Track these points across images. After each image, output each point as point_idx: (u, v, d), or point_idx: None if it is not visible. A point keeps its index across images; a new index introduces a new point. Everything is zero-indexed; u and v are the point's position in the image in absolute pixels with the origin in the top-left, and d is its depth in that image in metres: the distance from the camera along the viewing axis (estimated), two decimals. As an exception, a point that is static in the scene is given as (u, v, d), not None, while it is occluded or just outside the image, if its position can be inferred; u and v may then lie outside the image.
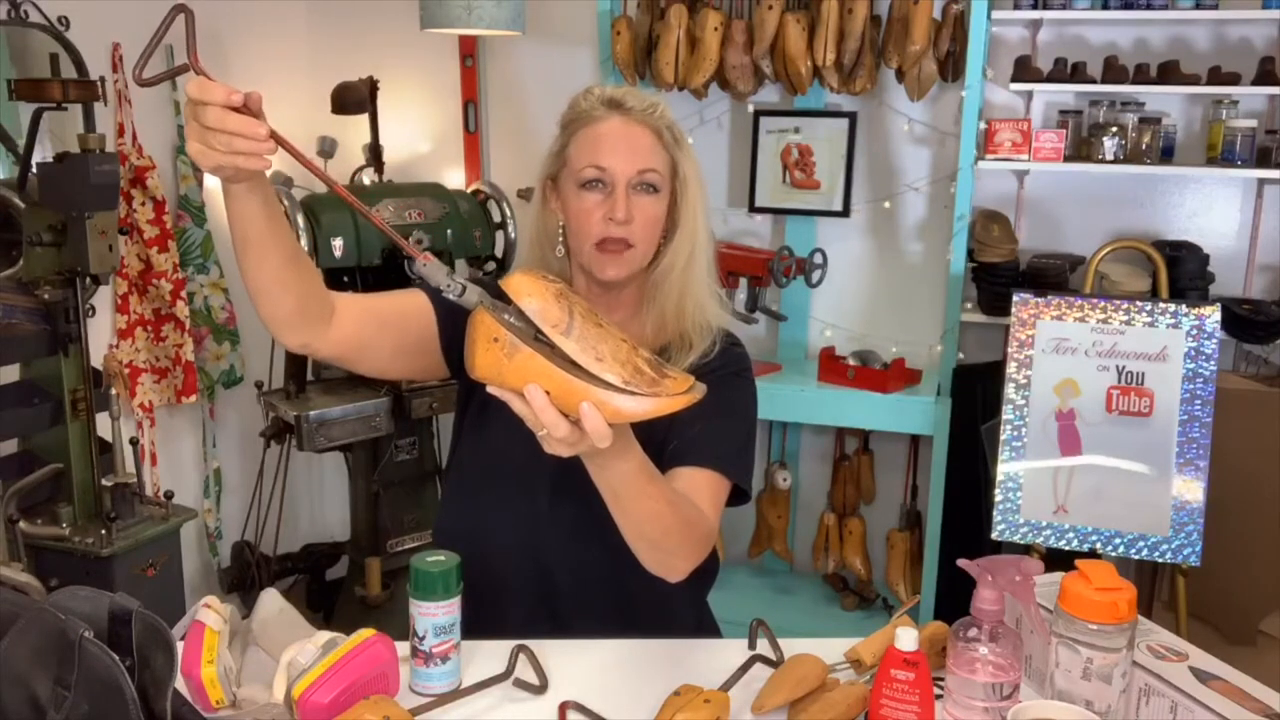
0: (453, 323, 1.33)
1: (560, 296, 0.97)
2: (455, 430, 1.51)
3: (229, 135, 0.98)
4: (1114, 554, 2.25)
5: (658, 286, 1.42)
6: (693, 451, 1.29)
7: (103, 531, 2.31)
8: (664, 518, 1.15)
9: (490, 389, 0.98)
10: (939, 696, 1.12)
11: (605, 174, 1.35)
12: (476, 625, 1.32)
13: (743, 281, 2.86)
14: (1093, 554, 2.24)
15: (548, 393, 0.95)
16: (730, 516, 1.36)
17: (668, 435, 1.31)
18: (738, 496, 1.36)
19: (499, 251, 2.98)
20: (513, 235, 2.96)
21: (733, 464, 1.33)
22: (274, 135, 1.00)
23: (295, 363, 2.82)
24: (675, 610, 1.44)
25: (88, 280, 2.33)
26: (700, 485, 1.28)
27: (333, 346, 1.28)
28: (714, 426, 1.32)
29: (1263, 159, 2.58)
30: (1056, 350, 2.33)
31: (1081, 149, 2.75)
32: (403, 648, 1.21)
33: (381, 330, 1.35)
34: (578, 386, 0.95)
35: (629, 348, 0.98)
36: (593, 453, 1.01)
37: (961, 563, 1.15)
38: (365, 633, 1.15)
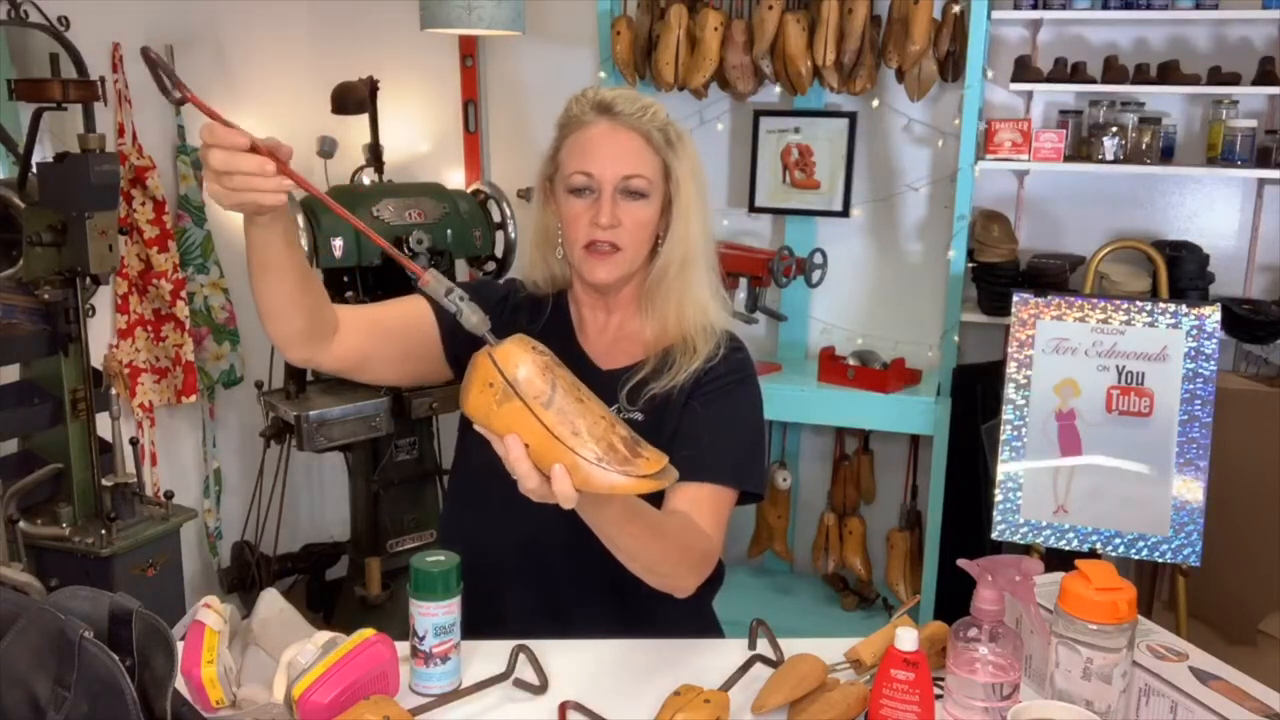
0: (455, 324, 1.33)
1: (546, 370, 1.01)
2: (460, 429, 1.53)
3: (245, 175, 1.03)
4: (1114, 554, 2.24)
5: (654, 290, 1.42)
6: (694, 468, 1.30)
7: (103, 531, 2.31)
8: (654, 548, 1.17)
9: (476, 427, 1.02)
10: (939, 696, 1.13)
11: (592, 180, 1.37)
12: (478, 623, 1.32)
13: (743, 281, 2.86)
14: (1093, 554, 2.24)
15: (527, 445, 0.99)
16: (730, 517, 1.37)
17: (669, 448, 1.31)
18: (750, 495, 1.37)
19: (499, 251, 2.98)
20: (513, 235, 2.96)
21: (735, 474, 1.34)
22: (283, 170, 1.05)
23: (295, 363, 2.82)
24: (677, 613, 1.43)
25: (88, 280, 2.32)
26: (701, 501, 1.29)
27: (336, 360, 1.32)
28: (716, 440, 1.33)
29: (1263, 159, 2.58)
30: (1056, 350, 2.33)
31: (1081, 149, 2.75)
32: (403, 648, 1.21)
33: (385, 341, 1.38)
34: (556, 448, 0.98)
35: (606, 424, 1.01)
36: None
37: (961, 563, 1.15)
38: (365, 633, 1.16)
